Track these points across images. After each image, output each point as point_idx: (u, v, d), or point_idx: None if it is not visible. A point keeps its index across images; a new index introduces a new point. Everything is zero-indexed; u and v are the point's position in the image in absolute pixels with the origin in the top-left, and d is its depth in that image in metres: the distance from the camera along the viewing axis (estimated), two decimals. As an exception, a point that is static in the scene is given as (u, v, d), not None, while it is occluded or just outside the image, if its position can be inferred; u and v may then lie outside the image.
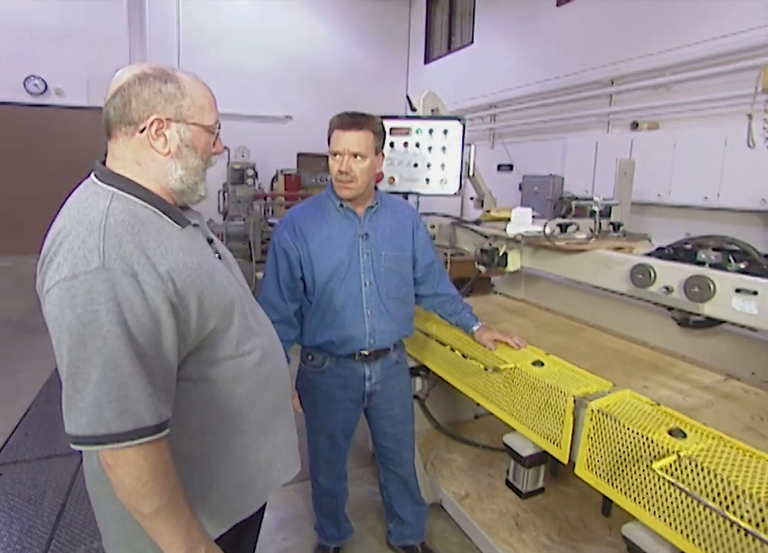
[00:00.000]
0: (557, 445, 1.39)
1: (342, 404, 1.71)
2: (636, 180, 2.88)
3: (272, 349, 1.07)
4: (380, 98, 9.01)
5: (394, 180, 2.10)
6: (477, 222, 2.27)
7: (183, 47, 8.09)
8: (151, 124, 0.88)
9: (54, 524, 2.15)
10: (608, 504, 1.42)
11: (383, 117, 1.64)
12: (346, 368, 1.67)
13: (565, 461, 1.37)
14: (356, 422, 1.80)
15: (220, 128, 0.99)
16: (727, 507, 0.97)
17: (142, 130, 0.89)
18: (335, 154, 1.52)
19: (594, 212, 1.74)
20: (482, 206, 2.66)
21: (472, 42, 8.09)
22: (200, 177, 0.96)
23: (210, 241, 1.03)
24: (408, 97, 2.17)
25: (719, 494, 0.99)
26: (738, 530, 0.95)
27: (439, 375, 1.93)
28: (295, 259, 1.58)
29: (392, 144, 2.09)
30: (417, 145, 2.06)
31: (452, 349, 1.75)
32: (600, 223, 1.76)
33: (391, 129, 2.06)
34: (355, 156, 1.50)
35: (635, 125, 5.04)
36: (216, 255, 1.01)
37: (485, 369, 1.58)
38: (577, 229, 1.71)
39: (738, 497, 0.96)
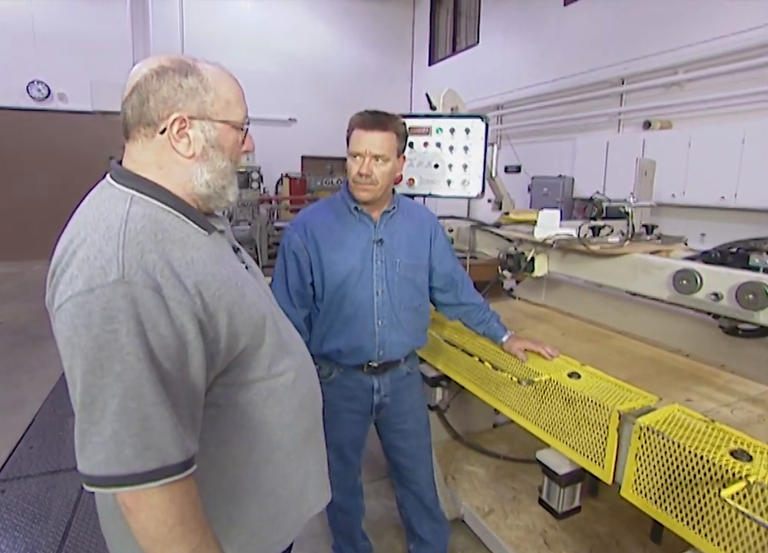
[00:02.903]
0: (599, 464, 1.29)
1: (349, 416, 1.62)
2: (651, 180, 2.79)
3: (305, 368, 0.98)
4: (385, 100, 8.95)
5: (413, 181, 2.01)
6: (497, 225, 2.18)
7: (187, 50, 8.04)
8: (172, 123, 0.78)
9: (59, 545, 2.06)
10: (658, 530, 1.32)
11: (402, 117, 1.55)
12: (354, 379, 1.59)
13: (609, 481, 1.27)
14: (365, 435, 1.71)
15: (249, 123, 0.89)
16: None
17: (163, 131, 0.79)
18: (355, 155, 1.43)
19: (628, 213, 1.65)
20: (500, 208, 2.57)
21: (478, 43, 8.03)
22: (228, 181, 0.86)
23: (237, 250, 0.93)
24: (427, 95, 2.07)
25: (796, 525, 0.89)
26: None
27: (466, 387, 1.83)
28: (305, 263, 1.49)
29: (411, 144, 2.00)
30: (438, 145, 1.97)
31: (481, 360, 1.65)
32: (633, 226, 1.67)
33: (410, 128, 1.96)
34: (377, 158, 1.41)
35: (647, 124, 4.95)
36: (244, 265, 0.92)
37: (519, 382, 1.48)
38: (611, 232, 1.61)
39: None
